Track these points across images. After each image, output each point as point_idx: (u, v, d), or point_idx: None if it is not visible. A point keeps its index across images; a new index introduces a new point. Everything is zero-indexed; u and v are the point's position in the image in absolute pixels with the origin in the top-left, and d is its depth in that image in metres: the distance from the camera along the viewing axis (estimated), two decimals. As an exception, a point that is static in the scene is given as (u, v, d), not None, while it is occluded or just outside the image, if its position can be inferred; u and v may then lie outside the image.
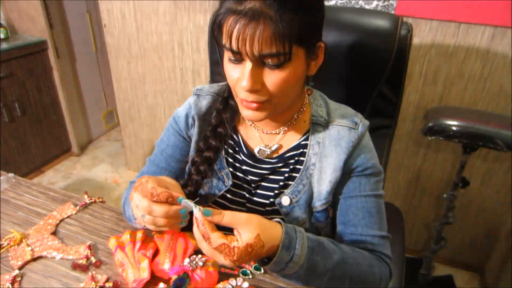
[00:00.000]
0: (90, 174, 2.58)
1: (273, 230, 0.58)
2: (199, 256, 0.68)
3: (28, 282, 0.69)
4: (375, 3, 1.43)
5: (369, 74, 0.93)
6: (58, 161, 2.66)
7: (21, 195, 0.91)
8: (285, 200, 0.73)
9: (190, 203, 0.58)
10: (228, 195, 0.78)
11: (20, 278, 0.69)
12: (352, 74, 0.94)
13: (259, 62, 0.59)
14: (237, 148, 0.79)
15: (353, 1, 1.46)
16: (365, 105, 0.97)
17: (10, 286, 0.67)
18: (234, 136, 0.79)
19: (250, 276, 0.73)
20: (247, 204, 0.78)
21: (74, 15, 2.55)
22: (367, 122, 0.75)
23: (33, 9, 2.23)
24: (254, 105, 0.62)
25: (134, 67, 2.13)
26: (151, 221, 0.60)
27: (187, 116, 0.79)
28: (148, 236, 0.76)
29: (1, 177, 0.95)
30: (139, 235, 0.74)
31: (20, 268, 0.71)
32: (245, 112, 0.66)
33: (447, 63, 1.47)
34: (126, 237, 0.74)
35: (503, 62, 1.40)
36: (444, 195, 1.45)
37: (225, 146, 0.79)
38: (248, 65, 0.58)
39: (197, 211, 0.57)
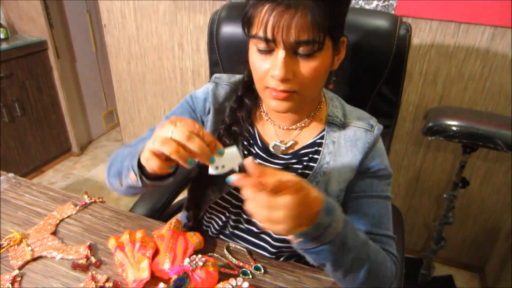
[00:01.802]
0: (90, 174, 2.57)
1: (315, 191, 0.55)
2: (199, 256, 0.68)
3: (28, 282, 0.69)
4: (375, 3, 1.43)
5: (369, 74, 0.93)
6: (58, 161, 2.66)
7: (21, 195, 0.91)
8: None
9: (238, 153, 0.55)
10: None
11: (20, 278, 0.69)
12: (351, 74, 0.94)
13: (292, 51, 0.59)
14: (251, 141, 0.78)
15: (353, 1, 1.46)
16: (365, 105, 0.97)
17: (10, 286, 0.67)
18: (250, 129, 0.78)
19: (250, 276, 0.73)
20: None
21: (74, 15, 2.55)
22: (381, 126, 0.77)
23: (33, 9, 2.23)
24: (283, 94, 0.62)
25: (134, 67, 2.13)
26: (162, 141, 0.52)
27: (205, 100, 0.79)
28: (148, 236, 0.76)
29: (1, 177, 0.95)
30: (139, 235, 0.74)
31: (20, 268, 0.71)
32: (273, 102, 0.65)
33: (447, 63, 1.47)
34: (125, 237, 0.74)
35: (503, 62, 1.40)
36: (444, 195, 1.45)
37: (241, 138, 0.78)
38: (281, 53, 0.58)
39: (250, 161, 0.50)
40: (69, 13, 2.51)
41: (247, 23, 0.61)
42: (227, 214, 0.80)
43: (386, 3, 1.41)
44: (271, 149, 0.76)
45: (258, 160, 0.77)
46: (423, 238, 1.89)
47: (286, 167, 0.76)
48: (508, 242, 1.64)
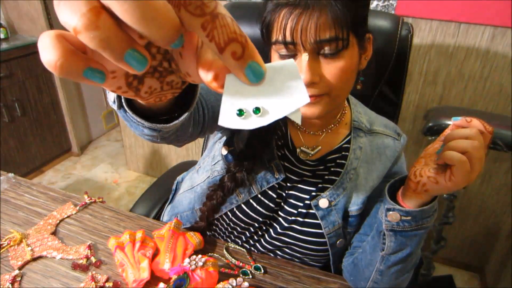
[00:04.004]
0: (90, 174, 2.57)
1: None
2: (199, 256, 0.68)
3: (28, 282, 0.69)
4: (375, 3, 1.43)
5: (370, 74, 0.93)
6: (58, 161, 2.66)
7: (21, 195, 0.91)
8: (323, 203, 0.71)
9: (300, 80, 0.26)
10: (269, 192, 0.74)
11: (20, 278, 0.69)
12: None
13: (315, 53, 0.57)
14: (283, 141, 0.75)
15: (353, 1, 1.46)
16: (366, 105, 0.97)
17: (10, 286, 0.67)
18: (283, 129, 0.76)
19: (250, 276, 0.73)
20: (282, 204, 0.75)
21: (74, 15, 2.55)
22: (405, 135, 0.78)
23: (33, 9, 2.23)
24: (311, 99, 0.60)
25: (134, 67, 2.13)
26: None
27: None
28: (148, 236, 0.76)
29: (1, 177, 0.95)
30: (139, 235, 0.74)
31: (20, 268, 0.71)
32: (302, 109, 0.62)
33: (447, 63, 1.47)
34: (125, 237, 0.74)
35: (503, 62, 1.40)
36: (444, 195, 1.45)
37: (276, 137, 0.75)
38: (304, 57, 0.57)
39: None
40: (69, 13, 2.51)
41: (266, 30, 0.60)
42: (246, 226, 0.77)
43: (386, 3, 1.41)
44: (299, 155, 0.74)
45: (286, 164, 0.74)
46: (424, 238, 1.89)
47: (313, 173, 0.74)
48: (508, 242, 1.64)
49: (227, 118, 0.26)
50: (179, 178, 0.98)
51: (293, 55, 0.59)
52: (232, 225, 0.78)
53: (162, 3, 0.21)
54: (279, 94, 0.26)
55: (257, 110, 0.26)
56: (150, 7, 0.20)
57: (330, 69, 0.58)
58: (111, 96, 0.43)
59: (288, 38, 0.56)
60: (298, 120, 0.27)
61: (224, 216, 0.78)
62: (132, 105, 0.42)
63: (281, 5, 0.56)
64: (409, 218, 0.57)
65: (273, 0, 0.57)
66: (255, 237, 0.79)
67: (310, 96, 0.59)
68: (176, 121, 0.42)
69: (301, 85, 0.26)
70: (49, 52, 0.22)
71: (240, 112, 0.26)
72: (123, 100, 0.41)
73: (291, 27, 0.55)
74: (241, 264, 0.75)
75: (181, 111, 0.42)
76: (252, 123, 0.26)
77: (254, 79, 0.24)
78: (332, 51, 0.57)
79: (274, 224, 0.76)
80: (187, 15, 0.22)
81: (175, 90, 0.31)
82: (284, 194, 0.74)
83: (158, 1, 0.20)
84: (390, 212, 0.58)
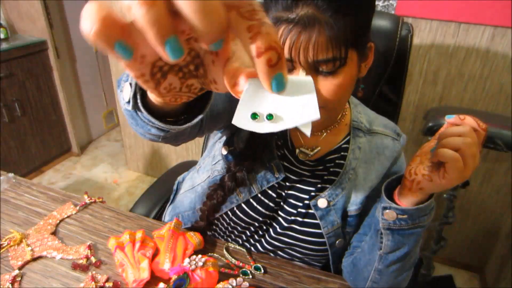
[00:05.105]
0: (90, 174, 2.57)
1: None
2: (199, 256, 0.68)
3: (28, 282, 0.69)
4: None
5: (370, 74, 0.93)
6: (58, 161, 2.66)
7: (21, 195, 0.91)
8: (321, 203, 0.71)
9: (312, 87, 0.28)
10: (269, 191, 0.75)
11: (20, 278, 0.69)
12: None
13: (312, 70, 0.57)
14: (283, 141, 0.75)
15: (353, 1, 1.46)
16: (366, 105, 0.97)
17: (10, 286, 0.67)
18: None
19: (250, 276, 0.73)
20: (281, 203, 0.75)
21: (74, 15, 2.55)
22: (405, 135, 0.78)
23: (33, 9, 2.23)
24: None
25: (134, 67, 2.13)
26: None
27: None
28: (148, 236, 0.76)
29: (1, 177, 0.95)
30: (139, 235, 0.74)
31: (20, 268, 0.71)
32: None
33: (447, 63, 1.47)
34: (125, 237, 0.74)
35: (503, 62, 1.40)
36: (444, 195, 1.45)
37: (275, 137, 0.75)
38: (301, 73, 0.57)
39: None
40: (69, 13, 2.51)
41: None
42: (246, 226, 0.77)
43: (386, 3, 1.41)
44: (298, 155, 0.74)
45: (286, 164, 0.74)
46: (423, 238, 1.89)
47: (312, 174, 0.74)
48: (508, 242, 1.64)
49: (241, 119, 0.28)
50: (179, 178, 0.98)
51: (291, 70, 0.58)
52: (232, 224, 0.78)
53: (218, 2, 0.22)
54: (293, 106, 0.28)
55: (270, 116, 0.28)
56: (209, 2, 0.22)
57: (327, 85, 0.58)
58: (126, 96, 0.44)
59: (286, 56, 0.55)
60: (307, 132, 0.28)
61: (224, 216, 0.78)
62: (145, 105, 0.44)
63: (281, 19, 0.55)
64: (405, 216, 0.57)
65: (273, 13, 0.56)
66: (255, 236, 0.79)
67: None
68: (189, 123, 0.44)
69: (315, 101, 0.28)
70: (89, 18, 0.22)
71: (254, 116, 0.28)
72: (138, 100, 0.43)
73: (290, 45, 0.54)
74: (241, 264, 0.75)
75: (188, 115, 0.44)
76: (263, 127, 0.28)
77: (276, 88, 0.26)
78: (329, 70, 0.57)
79: (274, 224, 0.76)
80: (236, 17, 0.24)
81: (191, 94, 0.33)
82: (283, 194, 0.74)
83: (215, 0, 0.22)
84: (387, 211, 0.58)
